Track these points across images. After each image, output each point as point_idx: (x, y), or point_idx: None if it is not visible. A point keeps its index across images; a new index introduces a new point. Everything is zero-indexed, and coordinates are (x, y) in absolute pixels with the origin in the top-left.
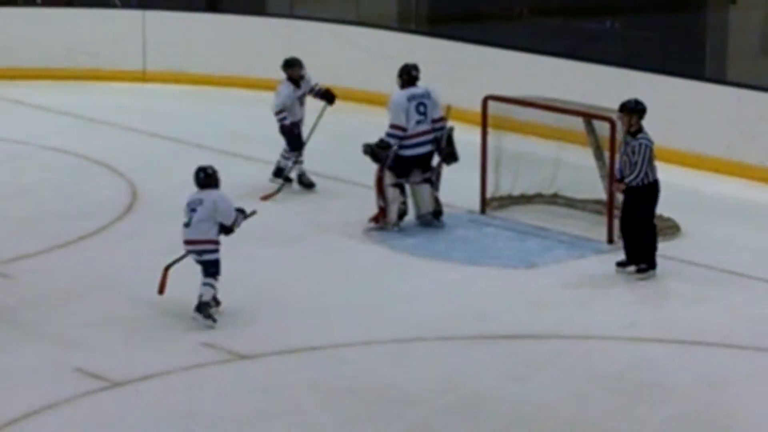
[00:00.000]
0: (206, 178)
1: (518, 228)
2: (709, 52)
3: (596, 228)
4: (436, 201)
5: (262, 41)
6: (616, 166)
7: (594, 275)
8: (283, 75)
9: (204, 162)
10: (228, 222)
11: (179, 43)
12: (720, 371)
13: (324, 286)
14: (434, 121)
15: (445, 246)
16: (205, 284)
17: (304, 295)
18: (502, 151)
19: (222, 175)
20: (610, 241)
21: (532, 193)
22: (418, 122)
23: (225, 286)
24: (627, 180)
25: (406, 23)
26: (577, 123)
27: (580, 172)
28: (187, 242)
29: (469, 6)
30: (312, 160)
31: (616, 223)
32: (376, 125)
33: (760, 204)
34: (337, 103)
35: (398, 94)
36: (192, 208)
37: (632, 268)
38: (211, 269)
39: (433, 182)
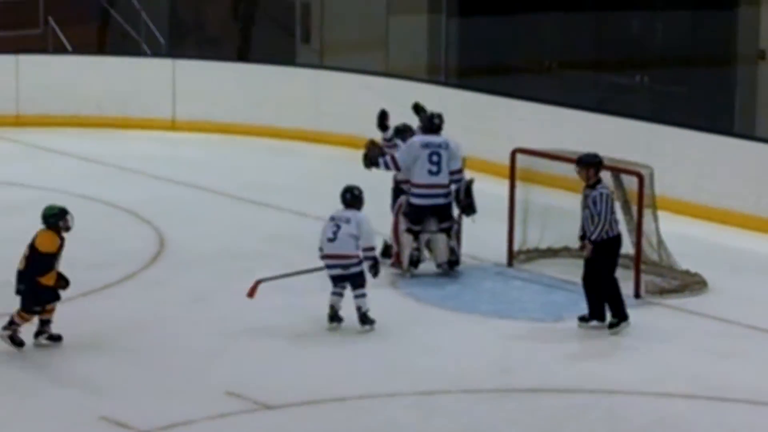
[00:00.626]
0: (353, 199)
1: (545, 281)
2: (738, 107)
3: (623, 282)
4: (452, 251)
5: (292, 91)
6: (579, 223)
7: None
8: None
9: (232, 210)
10: (366, 244)
11: (208, 92)
12: (747, 428)
13: (350, 337)
14: (452, 172)
15: (472, 298)
16: (357, 296)
17: (330, 345)
18: (529, 203)
19: (248, 225)
20: (637, 295)
21: (559, 246)
22: (430, 172)
23: (250, 334)
24: (591, 236)
25: (435, 75)
26: (605, 177)
27: None
28: (331, 257)
29: (498, 59)
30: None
31: (644, 277)
32: None
33: None
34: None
35: (416, 137)
36: (337, 225)
37: (595, 323)
38: (359, 280)
39: (450, 233)
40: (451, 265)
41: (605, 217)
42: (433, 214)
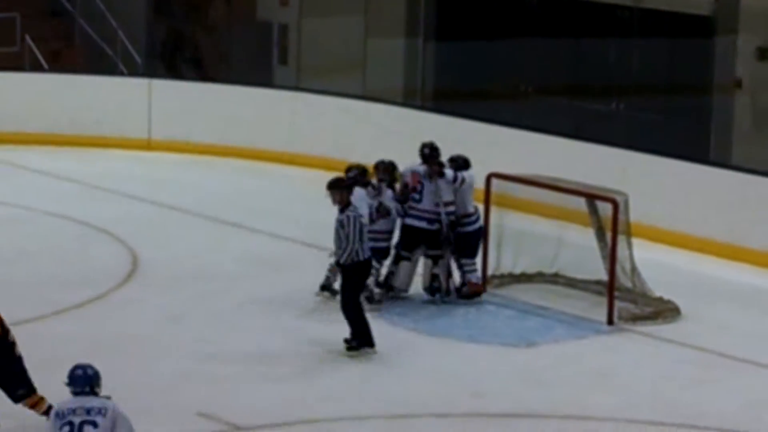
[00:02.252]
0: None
1: (519, 306)
2: (713, 135)
3: (596, 308)
4: (435, 277)
5: (268, 113)
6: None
7: (593, 356)
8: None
9: (206, 231)
10: None
11: (184, 113)
12: None
13: (321, 360)
14: (446, 204)
15: (445, 323)
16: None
17: (302, 368)
18: (504, 228)
19: (222, 246)
20: (611, 322)
21: (533, 271)
22: (413, 199)
23: (222, 356)
24: (339, 259)
25: (411, 99)
26: (580, 203)
27: (582, 252)
28: None
29: (474, 83)
30: (316, 232)
31: (617, 304)
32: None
33: (762, 289)
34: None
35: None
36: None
37: (366, 349)
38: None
39: (438, 261)
40: (432, 292)
41: (353, 241)
42: (420, 238)
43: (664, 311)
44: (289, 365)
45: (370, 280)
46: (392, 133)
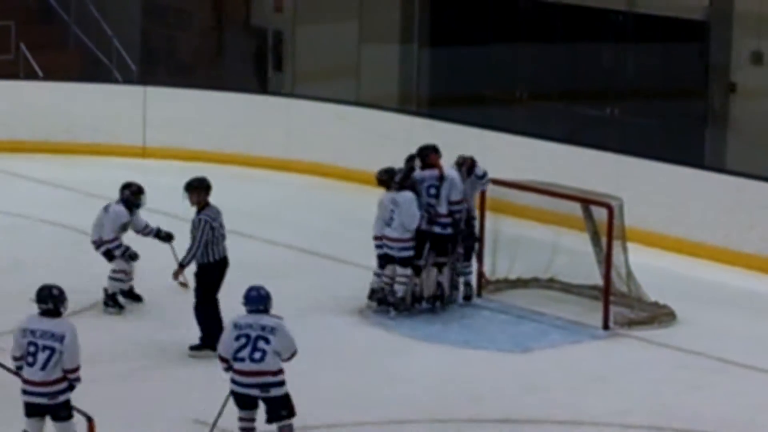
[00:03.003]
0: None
1: (514, 312)
2: (708, 140)
3: (592, 313)
4: (439, 285)
5: (263, 119)
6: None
7: (589, 361)
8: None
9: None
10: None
11: (179, 120)
12: None
13: (318, 366)
14: (456, 202)
15: (440, 328)
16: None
17: (299, 374)
18: (499, 234)
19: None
20: (606, 327)
21: (528, 277)
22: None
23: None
24: (183, 260)
25: (406, 104)
26: (575, 208)
27: (577, 257)
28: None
29: (469, 89)
30: (312, 239)
31: (612, 309)
32: (375, 205)
33: (757, 293)
34: (338, 183)
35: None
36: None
37: (208, 351)
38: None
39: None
40: (434, 300)
41: (198, 243)
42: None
43: (659, 316)
44: (285, 372)
45: (403, 290)
46: (387, 139)
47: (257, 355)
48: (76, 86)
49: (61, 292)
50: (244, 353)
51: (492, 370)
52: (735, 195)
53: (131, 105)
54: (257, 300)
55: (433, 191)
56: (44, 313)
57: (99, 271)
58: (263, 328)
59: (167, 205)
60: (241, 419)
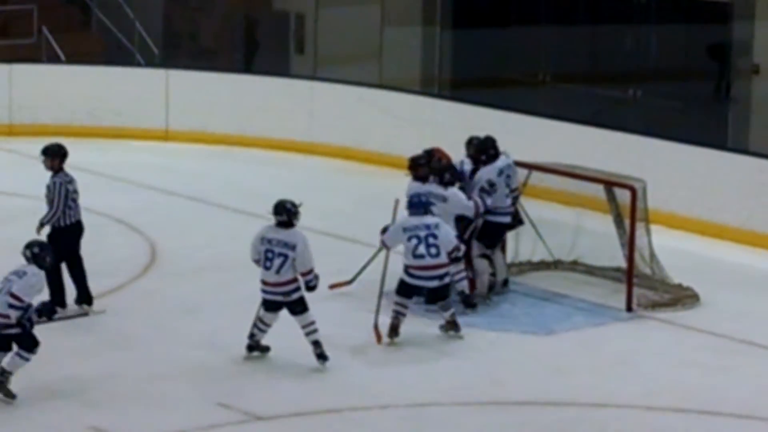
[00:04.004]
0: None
1: (537, 294)
2: (731, 121)
3: (615, 296)
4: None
5: (285, 102)
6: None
7: (612, 343)
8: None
9: (224, 221)
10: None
11: (202, 103)
12: None
13: (341, 349)
14: (512, 190)
15: (463, 310)
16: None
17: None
18: (522, 216)
19: (240, 235)
20: (629, 309)
21: (551, 259)
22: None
23: (242, 345)
24: (44, 221)
25: (428, 87)
26: (598, 190)
27: (600, 239)
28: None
29: (491, 71)
30: (333, 222)
31: (636, 291)
32: (397, 188)
33: None
34: (360, 165)
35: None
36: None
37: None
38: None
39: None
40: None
41: (56, 206)
42: (504, 233)
43: (683, 298)
44: (308, 355)
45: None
46: (409, 122)
47: (433, 250)
48: (98, 70)
49: (294, 205)
50: (422, 250)
51: (515, 352)
52: (758, 176)
53: (154, 88)
54: (419, 205)
55: (508, 181)
56: (279, 224)
57: (121, 255)
58: (428, 226)
59: (189, 189)
60: (396, 303)
